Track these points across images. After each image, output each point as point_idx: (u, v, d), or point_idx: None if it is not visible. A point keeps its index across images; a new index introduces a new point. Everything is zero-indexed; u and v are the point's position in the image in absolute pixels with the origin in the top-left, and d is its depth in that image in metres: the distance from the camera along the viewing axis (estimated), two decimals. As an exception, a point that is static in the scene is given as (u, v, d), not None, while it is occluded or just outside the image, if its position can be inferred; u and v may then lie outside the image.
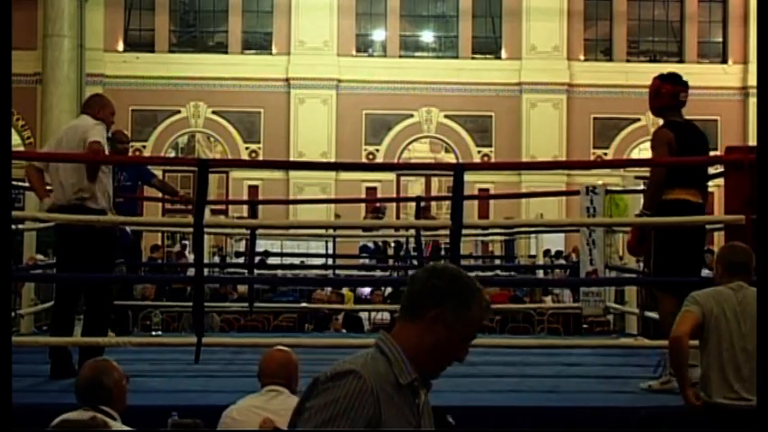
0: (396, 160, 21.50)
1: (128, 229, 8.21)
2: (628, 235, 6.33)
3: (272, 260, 13.35)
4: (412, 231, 11.20)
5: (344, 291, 12.57)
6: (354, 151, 21.67)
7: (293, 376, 4.40)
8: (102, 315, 6.14)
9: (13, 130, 18.94)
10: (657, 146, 6.13)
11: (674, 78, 6.15)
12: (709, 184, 6.59)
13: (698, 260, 6.21)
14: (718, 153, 15.63)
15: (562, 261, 15.76)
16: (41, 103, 20.45)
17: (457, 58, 22.53)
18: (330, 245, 13.99)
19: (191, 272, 9.63)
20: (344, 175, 21.00)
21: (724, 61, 22.77)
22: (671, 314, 5.62)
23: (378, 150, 22.07)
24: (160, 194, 9.92)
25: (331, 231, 13.69)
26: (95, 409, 3.77)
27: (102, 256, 6.07)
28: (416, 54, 22.89)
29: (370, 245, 15.03)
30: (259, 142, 22.02)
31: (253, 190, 21.51)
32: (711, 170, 6.74)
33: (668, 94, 6.12)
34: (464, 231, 6.27)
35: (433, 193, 21.94)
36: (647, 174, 6.47)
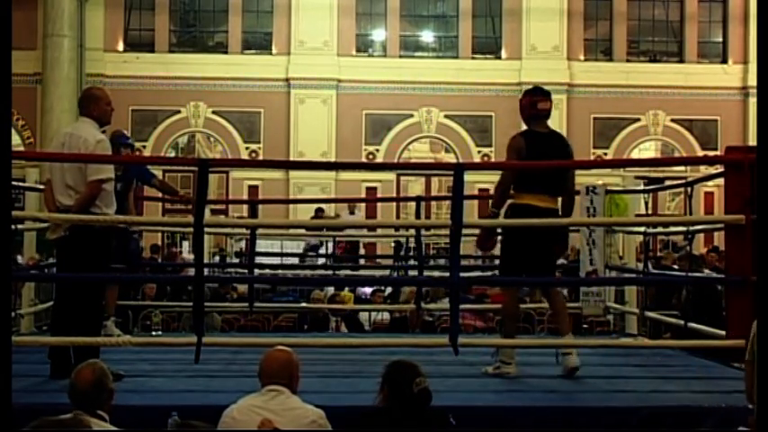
0: (396, 160, 21.49)
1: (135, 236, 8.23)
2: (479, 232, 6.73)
3: (271, 260, 13.34)
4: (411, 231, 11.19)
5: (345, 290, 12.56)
6: (354, 151, 21.66)
7: (294, 376, 4.40)
8: (97, 316, 6.13)
9: (13, 130, 18.95)
10: (508, 152, 6.53)
11: (533, 90, 6.69)
12: (709, 183, 6.77)
13: (543, 259, 6.48)
14: (718, 153, 15.61)
15: (562, 261, 15.72)
16: (41, 103, 20.43)
17: (457, 58, 22.52)
18: (330, 245, 13.99)
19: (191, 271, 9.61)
20: (344, 175, 20.98)
21: (724, 61, 22.75)
22: (512, 307, 6.69)
23: (378, 150, 22.07)
24: (160, 194, 9.92)
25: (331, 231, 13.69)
26: (91, 413, 3.79)
27: (99, 257, 6.06)
28: (416, 54, 22.88)
29: (317, 243, 14.97)
30: (259, 142, 22.01)
31: (253, 190, 21.51)
32: (711, 170, 6.78)
33: (527, 105, 6.62)
34: (464, 231, 6.28)
35: (433, 193, 21.92)
36: (648, 174, 6.63)
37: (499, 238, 6.85)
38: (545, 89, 6.70)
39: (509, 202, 6.48)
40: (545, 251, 6.48)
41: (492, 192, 6.63)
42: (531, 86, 6.80)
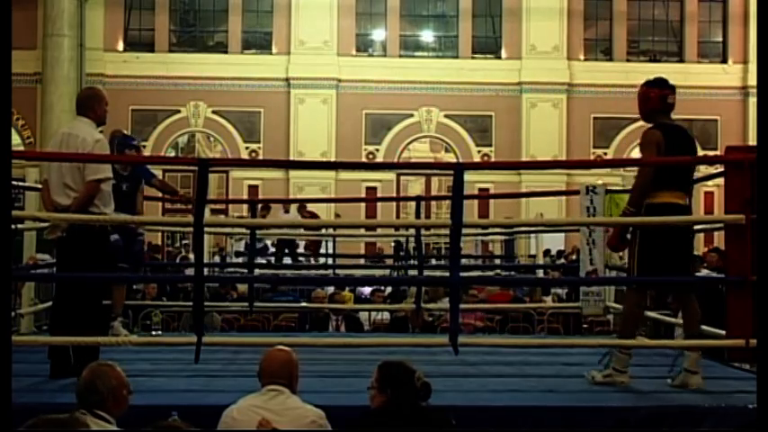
0: (396, 160, 21.51)
1: (143, 236, 8.21)
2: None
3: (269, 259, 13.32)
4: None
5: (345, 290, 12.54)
6: (354, 151, 21.68)
7: (293, 376, 4.40)
8: (96, 315, 6.12)
9: (13, 130, 18.94)
10: (646, 146, 6.22)
11: (661, 82, 6.31)
12: (709, 183, 6.69)
13: (682, 261, 6.16)
14: (718, 153, 15.59)
15: (562, 261, 15.75)
16: (41, 103, 20.46)
17: (457, 57, 22.54)
18: (330, 245, 13.99)
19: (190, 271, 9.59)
20: (344, 175, 21.00)
21: (724, 61, 22.77)
22: (636, 309, 6.18)
23: (378, 150, 22.08)
24: (160, 194, 9.91)
25: (331, 231, 13.70)
26: (90, 413, 3.78)
27: (98, 257, 6.05)
28: (416, 54, 22.90)
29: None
30: (259, 142, 22.03)
31: (253, 190, 21.52)
32: (711, 170, 6.76)
33: (656, 98, 6.30)
34: (464, 231, 6.25)
35: (433, 192, 21.95)
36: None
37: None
38: (669, 82, 6.33)
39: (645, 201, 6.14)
40: (684, 251, 6.15)
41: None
42: (654, 78, 6.30)
